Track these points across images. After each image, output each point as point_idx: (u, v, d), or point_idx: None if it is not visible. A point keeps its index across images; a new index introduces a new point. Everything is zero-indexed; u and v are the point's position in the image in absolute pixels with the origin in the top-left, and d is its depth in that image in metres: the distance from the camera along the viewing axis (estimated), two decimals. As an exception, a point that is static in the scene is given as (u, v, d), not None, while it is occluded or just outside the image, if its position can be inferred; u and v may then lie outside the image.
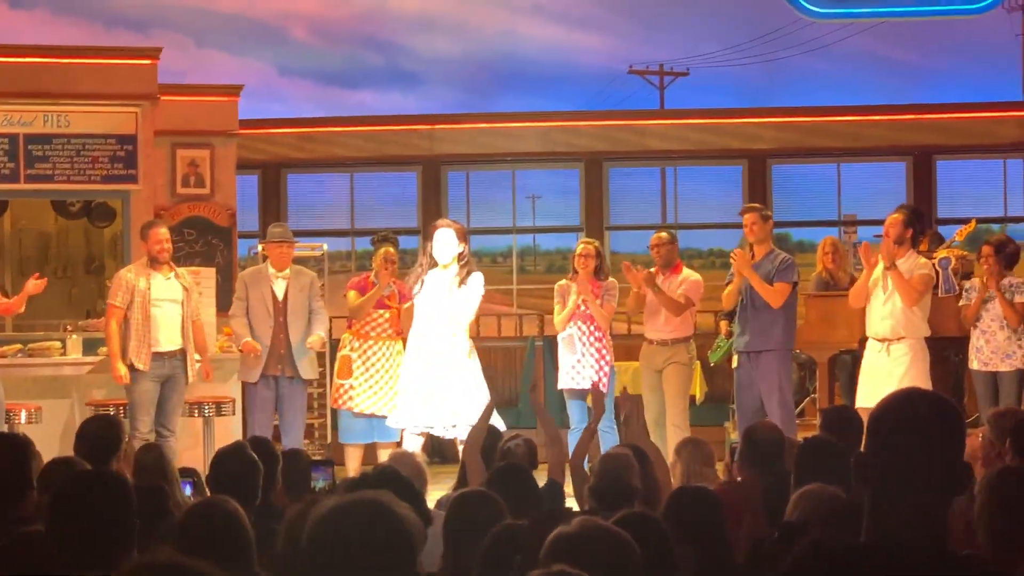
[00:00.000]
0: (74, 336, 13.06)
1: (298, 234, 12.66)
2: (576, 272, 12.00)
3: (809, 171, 18.17)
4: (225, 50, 29.51)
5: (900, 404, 3.24)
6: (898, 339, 11.21)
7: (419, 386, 11.21)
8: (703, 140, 17.52)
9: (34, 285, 11.79)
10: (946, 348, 13.03)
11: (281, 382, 11.66)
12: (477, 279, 11.40)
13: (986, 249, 12.12)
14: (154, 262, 11.50)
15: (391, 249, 12.24)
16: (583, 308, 11.90)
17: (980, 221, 18.66)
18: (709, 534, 4.93)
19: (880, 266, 11.24)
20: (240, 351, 11.79)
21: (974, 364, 12.00)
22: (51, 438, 11.57)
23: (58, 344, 12.95)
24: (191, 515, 4.54)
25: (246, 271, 12.10)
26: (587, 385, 11.78)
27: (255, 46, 29.89)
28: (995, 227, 17.85)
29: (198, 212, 14.28)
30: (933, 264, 12.51)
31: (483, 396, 10.58)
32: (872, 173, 18.29)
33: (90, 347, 12.84)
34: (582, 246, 12.14)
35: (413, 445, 11.17)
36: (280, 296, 11.75)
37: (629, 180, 18.27)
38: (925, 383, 11.02)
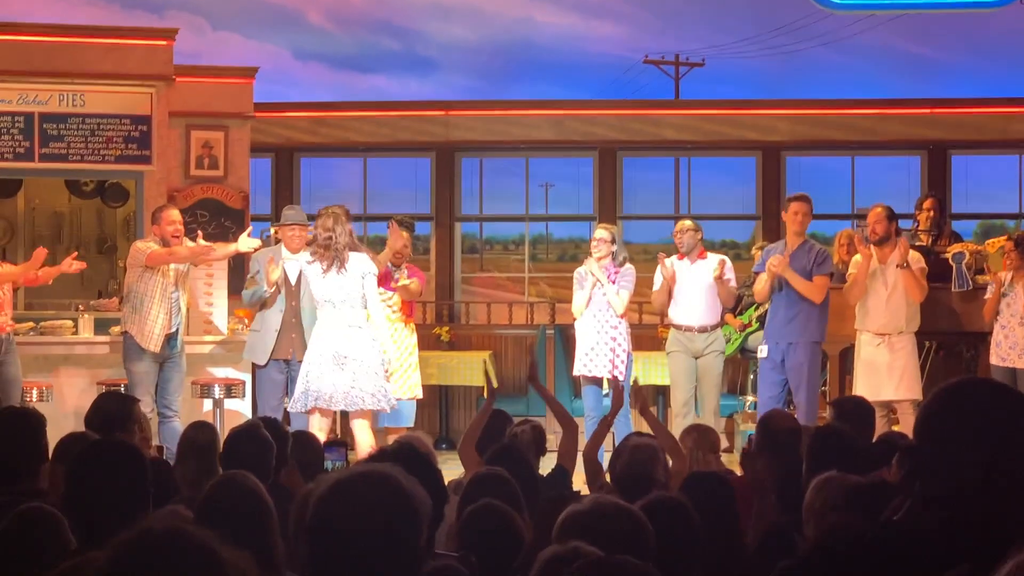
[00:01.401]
0: (86, 315, 13.09)
1: (311, 218, 12.59)
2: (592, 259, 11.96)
3: (823, 164, 18.14)
4: (240, 33, 29.50)
5: (956, 395, 3.15)
6: (898, 333, 11.49)
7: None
8: (717, 131, 17.49)
9: (69, 264, 11.83)
10: (958, 343, 13.03)
11: (292, 365, 11.53)
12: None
13: (1008, 244, 12.13)
14: (166, 245, 11.53)
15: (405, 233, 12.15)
16: (600, 295, 11.82)
17: (994, 217, 18.67)
18: (722, 520, 4.92)
19: (875, 259, 11.55)
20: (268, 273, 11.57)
21: (993, 359, 11.98)
22: (62, 416, 11.61)
23: (70, 323, 12.98)
24: (213, 489, 4.54)
25: (260, 251, 12.01)
26: (601, 372, 11.75)
27: (271, 29, 29.87)
28: (1010, 223, 17.83)
29: (211, 194, 14.27)
30: (946, 259, 12.54)
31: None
32: (887, 167, 18.27)
33: (102, 327, 12.87)
34: (600, 230, 12.07)
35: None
36: (293, 280, 11.67)
37: (643, 170, 18.25)
38: (918, 374, 11.51)
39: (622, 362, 11.76)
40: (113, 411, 7.10)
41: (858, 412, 7.37)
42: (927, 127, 17.26)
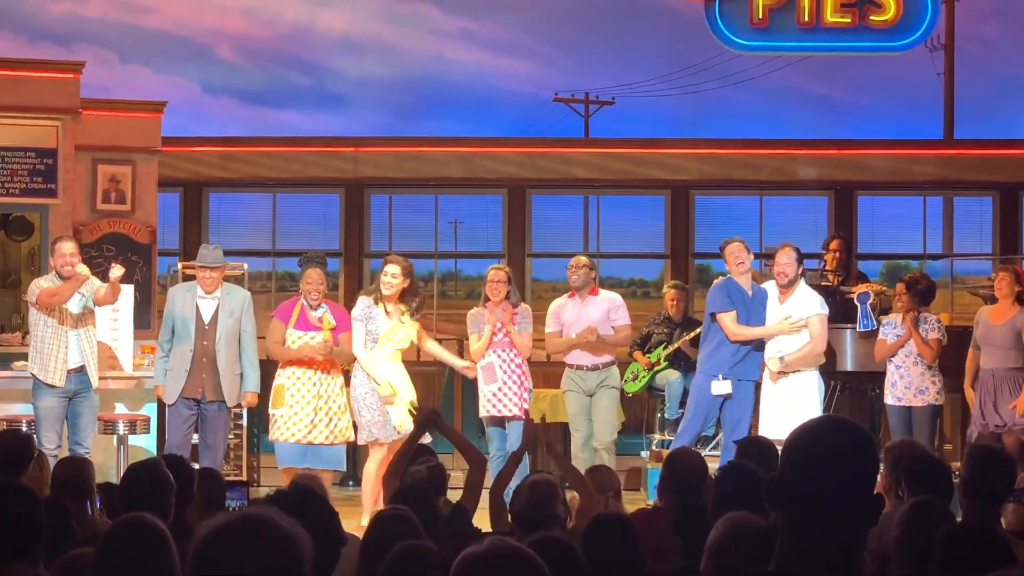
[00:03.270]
0: (-10, 349, 12.93)
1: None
2: (488, 299, 12.03)
3: (732, 203, 18.27)
4: (149, 66, 29.37)
5: (818, 432, 3.24)
6: (795, 372, 11.62)
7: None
8: (627, 170, 17.56)
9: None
10: (863, 382, 13.15)
11: (203, 404, 11.45)
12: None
13: (899, 286, 12.35)
14: (61, 278, 11.35)
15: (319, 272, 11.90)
16: (501, 336, 11.89)
17: (899, 257, 18.87)
18: (626, 561, 4.92)
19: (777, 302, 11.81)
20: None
21: (888, 399, 12.19)
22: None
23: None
24: (114, 531, 4.48)
25: (175, 287, 11.93)
26: (509, 412, 11.80)
27: (180, 63, 29.78)
28: (914, 263, 18.02)
29: (118, 229, 14.14)
30: (851, 299, 12.67)
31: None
32: (794, 207, 18.41)
33: (4, 361, 12.70)
34: (492, 272, 12.16)
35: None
36: (207, 319, 11.53)
37: (552, 208, 18.29)
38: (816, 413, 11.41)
39: (525, 401, 11.87)
40: (8, 449, 7.01)
41: (762, 451, 7.39)
42: (834, 168, 17.43)
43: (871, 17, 16.83)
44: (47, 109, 13.46)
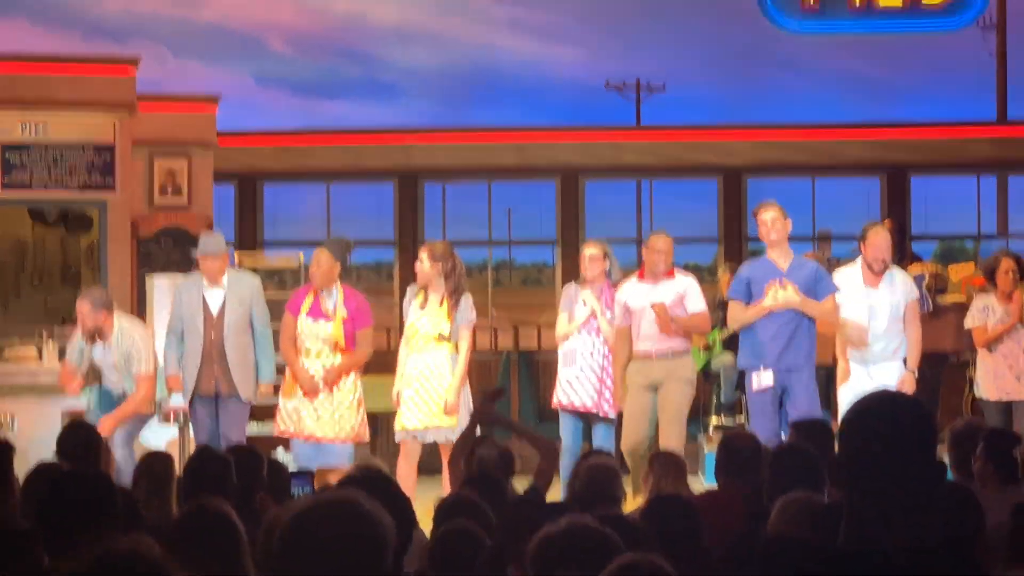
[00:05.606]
0: (51, 343, 13.05)
1: (275, 244, 12.61)
2: (585, 280, 10.90)
3: (784, 186, 18.26)
4: (202, 60, 29.55)
5: (874, 407, 3.30)
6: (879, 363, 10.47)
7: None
8: (678, 155, 17.59)
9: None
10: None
11: (219, 400, 10.89)
12: None
13: (1007, 263, 11.26)
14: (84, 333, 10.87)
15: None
16: (594, 320, 10.78)
17: (954, 238, 18.82)
18: (686, 542, 4.98)
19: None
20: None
21: (990, 393, 11.13)
22: (26, 445, 11.54)
23: (34, 351, 12.93)
24: (186, 515, 4.58)
25: (181, 282, 11.38)
26: (580, 404, 10.73)
27: (233, 57, 29.93)
28: (968, 244, 17.97)
29: (175, 222, 14.28)
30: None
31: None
32: (846, 189, 18.40)
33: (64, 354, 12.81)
34: (590, 248, 11.00)
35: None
36: (215, 310, 10.96)
37: (605, 194, 18.34)
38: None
39: (606, 400, 10.74)
40: (81, 440, 7.13)
41: (817, 430, 7.42)
42: (885, 150, 17.40)
43: (922, -2, 16.79)
44: (104, 104, 13.59)
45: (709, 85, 29.85)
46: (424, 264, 10.82)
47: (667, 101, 31.31)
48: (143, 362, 10.74)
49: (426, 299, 10.82)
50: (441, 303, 10.74)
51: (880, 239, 10.25)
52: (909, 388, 10.00)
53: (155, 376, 10.89)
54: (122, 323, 10.84)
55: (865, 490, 3.19)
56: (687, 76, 30.41)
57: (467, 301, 10.80)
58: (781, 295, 10.03)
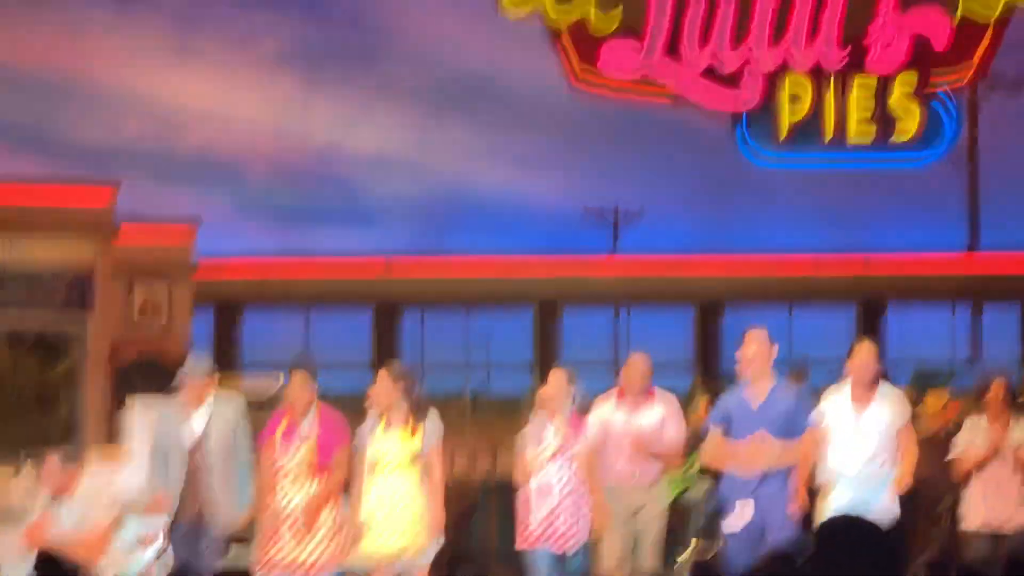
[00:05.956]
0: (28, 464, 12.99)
1: (254, 366, 12.55)
2: (548, 408, 10.64)
3: (761, 317, 18.33)
4: (184, 187, 29.75)
5: (839, 538, 3.36)
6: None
7: None
8: (655, 285, 17.68)
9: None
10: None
11: (199, 526, 10.59)
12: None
13: (998, 387, 10.82)
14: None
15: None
16: (567, 450, 10.51)
17: (928, 365, 18.91)
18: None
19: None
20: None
21: (975, 525, 10.73)
22: None
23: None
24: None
25: (165, 406, 11.05)
26: (562, 545, 10.41)
27: (213, 183, 30.13)
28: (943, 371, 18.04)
29: (151, 351, 14.28)
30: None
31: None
32: (823, 317, 18.49)
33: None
34: (557, 375, 10.75)
35: None
36: (198, 432, 10.65)
37: (582, 320, 18.40)
38: None
39: (583, 531, 10.42)
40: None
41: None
42: (860, 279, 17.53)
43: (895, 132, 16.99)
44: (83, 228, 13.64)
45: (687, 212, 30.10)
46: (385, 385, 10.53)
47: (645, 227, 31.50)
48: (99, 517, 10.53)
49: (389, 423, 10.49)
50: (406, 423, 10.45)
51: (867, 354, 9.83)
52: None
53: (109, 529, 10.69)
54: (88, 482, 10.63)
55: None
56: (665, 202, 30.67)
57: (432, 414, 10.51)
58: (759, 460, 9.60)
